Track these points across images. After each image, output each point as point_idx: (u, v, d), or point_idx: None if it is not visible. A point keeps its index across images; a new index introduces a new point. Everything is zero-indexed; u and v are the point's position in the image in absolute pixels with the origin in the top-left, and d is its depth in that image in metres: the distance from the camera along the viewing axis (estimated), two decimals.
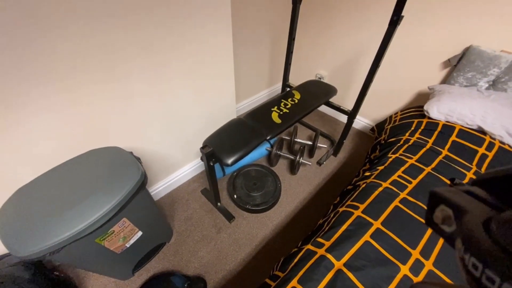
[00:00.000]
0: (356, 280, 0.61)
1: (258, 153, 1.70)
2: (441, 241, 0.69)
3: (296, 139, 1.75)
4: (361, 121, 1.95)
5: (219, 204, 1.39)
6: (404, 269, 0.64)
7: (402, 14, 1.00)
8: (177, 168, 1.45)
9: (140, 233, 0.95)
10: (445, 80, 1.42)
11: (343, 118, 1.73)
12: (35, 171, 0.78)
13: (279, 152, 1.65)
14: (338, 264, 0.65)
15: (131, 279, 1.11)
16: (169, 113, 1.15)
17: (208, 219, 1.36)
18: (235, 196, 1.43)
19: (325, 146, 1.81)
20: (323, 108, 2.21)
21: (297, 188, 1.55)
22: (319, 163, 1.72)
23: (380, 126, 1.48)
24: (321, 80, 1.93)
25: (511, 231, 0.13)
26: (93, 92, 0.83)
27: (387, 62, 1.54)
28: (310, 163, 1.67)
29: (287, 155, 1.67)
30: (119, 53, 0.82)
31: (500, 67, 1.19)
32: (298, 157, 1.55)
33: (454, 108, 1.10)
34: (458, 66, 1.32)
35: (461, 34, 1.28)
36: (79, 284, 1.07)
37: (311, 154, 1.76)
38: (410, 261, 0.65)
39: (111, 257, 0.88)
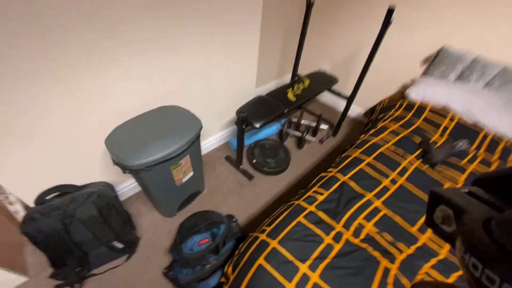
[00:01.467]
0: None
1: (271, 130, 2.02)
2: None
3: (302, 121, 2.08)
4: (355, 109, 2.30)
5: (241, 166, 1.70)
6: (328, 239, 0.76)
7: (391, 19, 1.34)
8: (206, 137, 1.75)
9: (191, 173, 1.24)
10: (425, 74, 1.78)
11: (341, 107, 2.06)
12: (124, 117, 1.07)
13: (288, 130, 1.97)
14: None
15: (174, 218, 1.40)
16: (207, 85, 1.44)
17: (232, 178, 1.66)
18: (254, 161, 1.74)
19: (326, 127, 2.15)
20: (325, 99, 2.56)
21: (302, 159, 1.87)
22: (321, 141, 2.05)
23: (372, 109, 1.83)
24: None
25: (511, 231, 0.13)
26: (162, 64, 1.12)
27: (378, 59, 1.90)
28: (313, 140, 2.00)
29: (295, 133, 1.99)
30: (182, 33, 1.12)
31: (464, 63, 1.56)
32: (304, 134, 1.88)
33: (427, 91, 1.47)
34: (434, 62, 1.69)
35: (436, 37, 1.64)
36: (136, 220, 1.35)
37: (314, 133, 2.09)
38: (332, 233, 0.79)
39: (172, 187, 1.17)
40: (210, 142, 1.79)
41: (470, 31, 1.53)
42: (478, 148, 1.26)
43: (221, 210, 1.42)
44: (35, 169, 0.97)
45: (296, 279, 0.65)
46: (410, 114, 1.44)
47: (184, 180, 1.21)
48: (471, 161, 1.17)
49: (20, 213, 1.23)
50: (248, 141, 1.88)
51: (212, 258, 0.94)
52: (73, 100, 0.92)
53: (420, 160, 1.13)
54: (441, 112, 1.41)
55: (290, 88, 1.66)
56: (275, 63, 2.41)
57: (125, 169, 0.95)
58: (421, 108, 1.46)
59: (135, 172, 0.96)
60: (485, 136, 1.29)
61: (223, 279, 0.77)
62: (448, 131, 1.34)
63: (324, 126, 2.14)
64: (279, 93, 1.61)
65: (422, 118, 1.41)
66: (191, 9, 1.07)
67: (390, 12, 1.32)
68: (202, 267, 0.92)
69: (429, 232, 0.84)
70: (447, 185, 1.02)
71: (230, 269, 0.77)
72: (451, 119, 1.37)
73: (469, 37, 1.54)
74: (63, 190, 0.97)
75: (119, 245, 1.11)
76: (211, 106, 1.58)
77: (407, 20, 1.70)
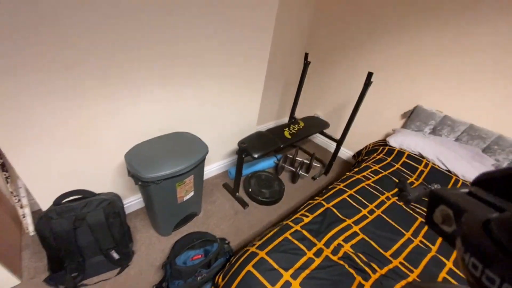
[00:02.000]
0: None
1: (268, 164, 2.19)
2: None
3: (297, 158, 2.27)
4: (347, 153, 2.52)
5: (237, 194, 1.82)
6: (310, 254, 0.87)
7: (372, 80, 1.66)
8: (208, 164, 1.91)
9: (192, 193, 1.37)
10: (404, 126, 2.05)
11: (333, 149, 2.27)
12: (142, 138, 1.26)
13: (284, 165, 2.15)
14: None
15: (168, 237, 1.46)
16: (216, 118, 1.68)
17: (228, 204, 1.76)
18: (249, 190, 1.86)
19: (319, 165, 2.33)
20: (319, 141, 2.81)
21: (295, 193, 2.00)
22: (313, 178, 2.21)
23: (359, 152, 2.04)
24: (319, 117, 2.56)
25: (511, 231, 0.13)
26: (180, 96, 1.37)
27: (366, 110, 2.21)
28: (306, 176, 2.16)
29: (290, 168, 2.16)
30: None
31: (436, 120, 1.84)
32: (298, 169, 2.05)
33: (404, 140, 1.70)
34: (411, 117, 1.97)
35: (412, 96, 1.96)
36: (132, 235, 1.41)
37: (307, 170, 2.26)
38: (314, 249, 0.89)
39: (173, 204, 1.28)
40: (211, 169, 1.94)
41: (438, 94, 1.84)
42: None
43: (214, 233, 1.49)
44: (59, 173, 1.11)
45: (279, 284, 0.74)
46: (390, 158, 1.64)
47: (185, 198, 1.33)
48: None
49: (27, 217, 1.31)
50: (246, 171, 2.03)
51: (203, 271, 1.00)
52: (107, 119, 1.13)
53: (396, 197, 1.28)
54: (417, 158, 1.61)
55: (287, 128, 1.90)
56: (275, 107, 2.74)
57: (138, 180, 1.09)
58: (400, 153, 1.67)
59: (146, 184, 1.10)
60: (456, 181, 1.47)
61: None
62: (423, 175, 1.52)
63: (317, 164, 2.32)
64: (276, 130, 1.84)
65: (400, 162, 1.60)
66: (213, 55, 1.36)
67: (369, 75, 1.64)
68: (194, 278, 0.98)
69: (401, 257, 0.94)
70: (419, 220, 1.15)
71: (220, 278, 0.85)
72: (426, 165, 1.56)
73: (438, 99, 1.85)
74: (82, 194, 1.09)
75: (116, 256, 1.17)
76: (217, 136, 1.79)
77: (388, 82, 2.05)
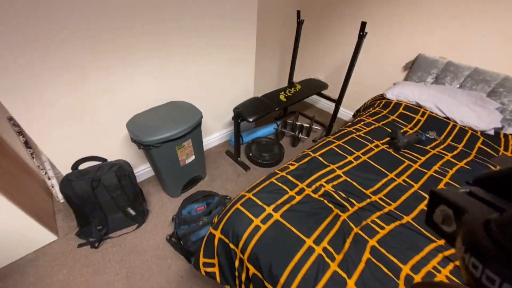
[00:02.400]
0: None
1: (268, 131, 2.25)
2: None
3: (297, 122, 2.30)
4: (348, 113, 2.50)
5: (239, 158, 1.93)
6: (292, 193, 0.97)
7: (366, 31, 1.59)
8: (210, 134, 2.01)
9: (193, 157, 1.49)
10: (406, 78, 1.98)
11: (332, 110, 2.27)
12: (141, 108, 1.36)
13: (283, 130, 2.20)
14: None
15: (178, 198, 1.62)
16: (211, 89, 1.73)
17: (231, 169, 1.89)
18: (250, 154, 1.96)
19: (319, 128, 2.35)
20: (319, 105, 2.79)
21: (295, 155, 2.06)
22: (314, 140, 2.25)
23: (358, 110, 2.03)
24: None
25: (511, 231, 0.13)
26: (175, 68, 1.43)
27: (365, 67, 2.14)
28: (307, 138, 2.21)
29: (290, 132, 2.21)
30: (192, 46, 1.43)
31: (438, 68, 1.75)
32: (297, 132, 2.09)
33: (401, 91, 1.66)
34: (412, 68, 1.89)
35: (412, 46, 1.86)
36: (146, 198, 1.59)
37: (308, 134, 2.29)
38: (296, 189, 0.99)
39: (177, 167, 1.42)
40: (213, 138, 2.05)
41: (441, 40, 1.73)
42: (446, 138, 1.41)
43: (219, 193, 1.64)
44: (74, 144, 1.26)
45: (261, 216, 0.85)
46: (386, 110, 1.62)
47: (187, 161, 1.46)
48: (435, 147, 1.33)
49: (55, 187, 1.52)
50: (246, 138, 2.12)
51: (204, 218, 1.15)
52: (109, 92, 1.23)
53: (387, 145, 1.31)
54: (414, 108, 1.59)
55: (283, 92, 1.91)
56: (273, 75, 2.71)
57: (140, 145, 1.21)
58: (397, 105, 1.64)
59: (147, 148, 1.22)
60: (453, 127, 1.45)
61: (210, 228, 0.97)
62: (419, 125, 1.51)
63: (317, 127, 2.34)
64: (272, 95, 1.87)
65: (396, 114, 1.59)
66: (198, 25, 1.38)
67: (363, 25, 1.57)
68: (196, 223, 1.12)
69: (381, 194, 1.00)
70: (406, 163, 1.18)
71: (216, 218, 0.98)
72: (423, 114, 1.54)
73: (441, 45, 1.74)
74: (94, 160, 1.24)
75: (132, 212, 1.35)
76: (214, 107, 1.86)
77: (387, 33, 1.94)
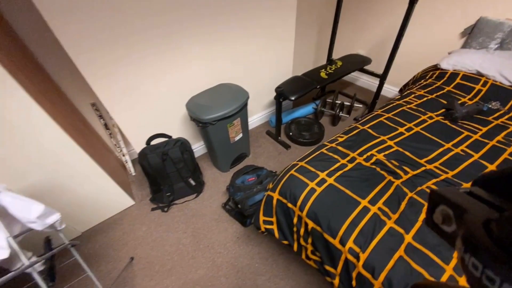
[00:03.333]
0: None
1: (307, 110, 2.27)
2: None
3: (336, 101, 2.27)
4: (393, 90, 2.37)
5: (279, 138, 2.01)
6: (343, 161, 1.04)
7: None
8: (250, 115, 2.12)
9: (241, 135, 1.62)
10: (464, 46, 1.79)
11: (376, 88, 2.17)
12: (196, 91, 1.51)
13: (323, 109, 2.20)
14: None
15: (227, 173, 1.79)
16: (252, 71, 1.81)
17: (272, 147, 1.99)
18: (290, 133, 2.03)
19: (361, 106, 2.29)
20: (361, 82, 2.68)
21: (336, 134, 2.07)
22: (355, 119, 2.20)
23: (405, 84, 1.92)
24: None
25: (511, 231, 0.13)
26: (223, 50, 1.53)
27: (415, 38, 1.98)
28: (348, 117, 2.18)
29: (330, 111, 2.20)
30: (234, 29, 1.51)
31: (504, 31, 1.55)
32: (337, 111, 2.08)
33: (459, 60, 1.53)
34: (472, 34, 1.70)
35: (472, 8, 1.66)
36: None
37: (349, 113, 2.25)
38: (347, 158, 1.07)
39: (227, 143, 1.57)
40: (253, 120, 2.16)
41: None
42: (511, 107, 1.29)
43: None
44: (144, 124, 1.48)
45: (316, 180, 0.93)
46: (441, 81, 1.52)
47: (236, 139, 1.60)
48: (499, 117, 1.23)
49: (129, 162, 1.81)
50: (286, 118, 2.18)
51: (258, 186, 1.28)
52: (169, 77, 1.40)
53: (442, 117, 1.25)
54: (474, 77, 1.46)
55: (323, 69, 1.90)
56: (311, 53, 2.67)
57: (199, 122, 1.37)
58: (453, 75, 1.53)
59: (205, 125, 1.38)
60: None
61: (266, 192, 1.09)
62: (480, 95, 1.39)
63: (359, 105, 2.28)
64: (312, 73, 1.88)
65: (453, 84, 1.48)
66: (238, 7, 1.45)
67: None
68: (251, 190, 1.26)
69: (437, 163, 0.99)
70: (465, 134, 1.13)
71: (270, 184, 1.09)
72: (484, 83, 1.41)
73: (507, 5, 1.53)
74: (162, 137, 1.45)
75: (193, 182, 1.55)
76: (255, 88, 1.94)
77: None
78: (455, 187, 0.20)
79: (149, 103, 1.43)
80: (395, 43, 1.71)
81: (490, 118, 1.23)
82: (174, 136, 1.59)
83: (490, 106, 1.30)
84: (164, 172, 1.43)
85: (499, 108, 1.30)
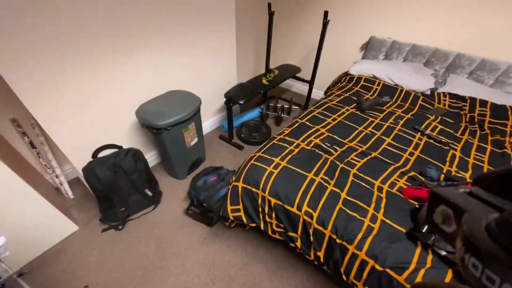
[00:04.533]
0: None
1: (253, 114, 2.50)
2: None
3: (277, 105, 2.58)
4: (320, 94, 2.86)
5: (232, 140, 2.15)
6: (291, 147, 1.46)
7: (329, 19, 1.90)
8: (202, 121, 2.18)
9: (196, 139, 1.68)
10: (363, 58, 2.37)
11: (307, 92, 2.58)
12: (145, 98, 1.50)
13: (267, 112, 2.46)
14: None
15: (184, 180, 1.80)
16: (200, 78, 1.91)
17: (226, 150, 2.10)
18: (242, 135, 2.19)
19: (297, 108, 2.67)
20: (294, 88, 3.11)
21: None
22: (294, 118, 2.55)
23: (328, 88, 2.38)
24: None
25: (511, 231, 0.13)
26: (171, 57, 1.59)
27: (330, 51, 2.49)
28: (288, 117, 2.51)
29: (273, 113, 2.49)
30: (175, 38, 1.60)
31: (387, 46, 2.16)
32: (280, 112, 2.38)
33: (361, 68, 2.04)
34: (367, 48, 2.28)
35: (366, 30, 2.24)
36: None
37: (288, 113, 2.60)
38: (293, 145, 1.48)
39: (184, 149, 1.59)
40: (205, 126, 2.23)
41: (389, 24, 2.13)
42: (396, 100, 1.81)
43: None
44: (86, 137, 1.37)
45: (272, 165, 1.10)
46: (351, 84, 1.99)
47: (192, 143, 1.64)
48: (389, 106, 1.72)
49: (64, 184, 1.59)
50: (235, 123, 2.34)
51: (221, 183, 1.37)
52: (115, 84, 1.36)
53: (354, 109, 1.66)
54: (372, 80, 1.97)
55: (264, 76, 2.17)
56: (251, 63, 2.95)
57: (153, 129, 1.37)
58: (358, 79, 2.01)
59: (159, 132, 1.38)
60: (401, 91, 1.85)
61: (230, 183, 1.20)
62: (377, 92, 1.89)
63: (295, 107, 2.66)
64: (255, 80, 2.11)
65: (359, 85, 1.96)
66: (185, 20, 1.55)
67: (325, 13, 1.89)
68: (214, 187, 1.34)
69: (355, 141, 1.33)
70: (370, 120, 1.54)
71: (233, 177, 1.21)
72: (378, 84, 1.93)
73: (388, 28, 2.14)
74: (110, 148, 1.36)
75: (149, 193, 1.50)
76: (204, 95, 2.03)
77: (346, 21, 2.30)
78: (455, 187, 0.19)
79: (92, 114, 1.34)
80: (316, 56, 2.13)
81: (384, 108, 1.69)
82: (124, 147, 1.51)
83: (383, 99, 1.79)
84: (117, 185, 1.35)
85: (389, 100, 1.80)
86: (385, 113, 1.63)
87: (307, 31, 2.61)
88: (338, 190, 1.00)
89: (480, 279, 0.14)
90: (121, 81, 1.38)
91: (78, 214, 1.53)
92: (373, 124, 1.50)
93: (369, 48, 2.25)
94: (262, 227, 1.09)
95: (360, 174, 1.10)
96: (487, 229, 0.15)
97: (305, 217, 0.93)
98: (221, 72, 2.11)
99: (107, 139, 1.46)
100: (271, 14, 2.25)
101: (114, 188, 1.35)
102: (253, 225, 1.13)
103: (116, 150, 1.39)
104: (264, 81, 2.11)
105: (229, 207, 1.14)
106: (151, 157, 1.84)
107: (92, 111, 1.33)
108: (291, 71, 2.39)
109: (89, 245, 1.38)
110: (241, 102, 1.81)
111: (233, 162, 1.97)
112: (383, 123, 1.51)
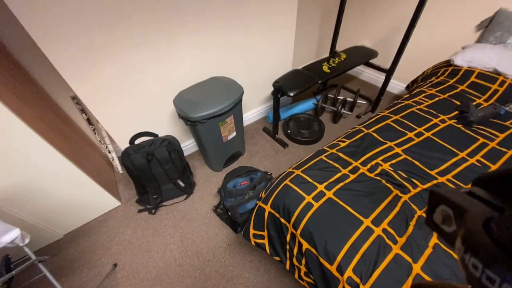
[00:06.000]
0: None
1: (307, 106, 2.14)
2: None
3: (338, 97, 2.13)
4: (399, 86, 2.22)
5: (276, 135, 1.89)
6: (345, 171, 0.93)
7: None
8: (246, 111, 1.99)
9: (235, 133, 1.50)
10: (479, 40, 1.64)
11: (382, 83, 2.02)
12: (186, 84, 1.38)
13: (324, 105, 2.06)
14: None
15: (220, 173, 1.69)
16: (248, 62, 1.66)
17: (269, 145, 1.88)
18: (288, 131, 1.91)
19: (364, 103, 2.15)
20: (365, 76, 2.53)
21: (337, 132, 1.95)
22: (357, 116, 2.08)
23: (414, 81, 1.78)
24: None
25: (511, 231, 0.13)
26: (217, 40, 1.39)
27: (426, 30, 1.82)
28: (350, 114, 2.05)
29: (331, 108, 2.07)
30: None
31: None
32: (339, 107, 1.95)
33: (475, 56, 1.38)
34: (489, 27, 1.55)
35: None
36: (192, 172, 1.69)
37: (351, 109, 2.12)
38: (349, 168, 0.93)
39: (220, 142, 1.45)
40: (250, 115, 2.03)
41: None
42: None
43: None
44: (128, 120, 1.36)
45: (313, 193, 0.83)
46: (454, 79, 1.39)
47: (229, 137, 1.48)
48: None
49: (115, 159, 1.69)
50: (284, 114, 2.05)
51: (250, 192, 1.18)
52: (154, 66, 1.26)
53: (455, 120, 1.13)
54: (490, 76, 1.33)
55: (325, 62, 1.76)
56: (313, 44, 2.50)
57: (187, 121, 1.25)
58: (467, 73, 1.39)
59: (194, 124, 1.26)
60: None
61: (258, 202, 0.99)
62: (496, 95, 1.26)
63: (362, 102, 2.15)
64: (314, 66, 1.74)
65: (467, 83, 1.35)
66: None
67: None
68: (242, 197, 1.16)
69: (449, 175, 0.89)
70: (480, 141, 1.02)
71: (263, 193, 0.99)
72: (502, 83, 1.28)
73: None
74: (147, 135, 1.33)
75: (182, 184, 1.45)
76: (251, 81, 1.80)
77: None
78: (455, 187, 0.20)
79: (133, 98, 1.30)
80: (404, 36, 1.56)
81: (507, 123, 1.11)
82: (162, 134, 1.46)
83: (507, 109, 1.18)
84: (150, 174, 1.32)
85: None
86: (508, 132, 1.05)
87: (394, 2, 1.96)
88: (408, 258, 0.66)
89: (480, 279, 0.14)
90: (162, 65, 1.28)
91: (123, 189, 1.63)
92: (486, 149, 0.98)
93: (493, 27, 1.51)
94: (287, 267, 0.87)
95: None
96: (487, 229, 0.15)
97: (347, 287, 0.65)
98: (275, 55, 1.80)
99: (147, 124, 1.43)
100: None
101: (147, 176, 1.33)
102: (277, 259, 0.91)
103: (152, 138, 1.34)
104: (325, 68, 1.71)
105: (252, 231, 0.94)
106: (190, 145, 1.78)
107: (133, 96, 1.29)
108: (363, 56, 1.88)
109: (125, 222, 1.45)
110: (291, 94, 1.51)
111: (273, 162, 1.74)
112: (504, 149, 0.97)
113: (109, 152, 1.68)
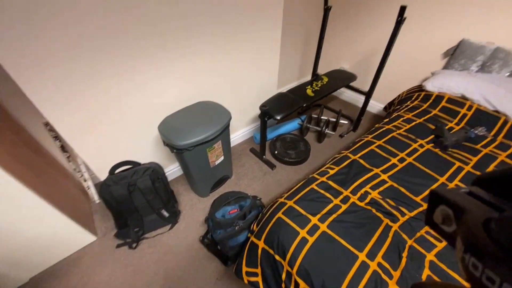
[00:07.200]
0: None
1: (292, 126, 2.18)
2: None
3: (322, 117, 2.20)
4: (377, 106, 2.36)
5: (264, 156, 1.89)
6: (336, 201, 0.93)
7: (405, 16, 1.44)
8: (233, 132, 1.97)
9: (222, 158, 1.47)
10: (446, 67, 1.81)
11: (362, 103, 2.13)
12: (171, 109, 1.34)
13: (308, 125, 2.12)
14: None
15: (207, 198, 1.62)
16: (234, 86, 1.67)
17: (256, 167, 1.86)
18: (276, 152, 1.91)
19: (346, 122, 2.24)
20: (345, 97, 2.66)
21: (322, 152, 2.00)
22: (341, 135, 2.15)
23: (391, 103, 1.90)
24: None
25: (511, 231, 0.13)
26: (199, 67, 1.38)
27: (399, 56, 1.97)
28: (333, 133, 2.12)
29: (315, 128, 2.13)
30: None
31: (485, 54, 1.57)
32: (323, 128, 2.00)
33: (444, 82, 1.51)
34: (454, 55, 1.71)
35: (455, 30, 1.68)
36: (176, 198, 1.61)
37: (334, 129, 2.20)
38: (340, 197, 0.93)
39: (207, 168, 1.40)
40: (236, 136, 2.02)
41: (489, 23, 1.55)
42: (496, 134, 1.28)
43: (246, 192, 1.62)
44: (107, 147, 1.27)
45: (307, 227, 0.81)
46: (427, 104, 1.50)
47: (217, 162, 1.44)
48: (487, 145, 1.21)
49: (91, 188, 1.57)
50: (270, 135, 2.06)
51: (240, 222, 1.13)
52: (137, 95, 1.21)
53: (432, 144, 1.21)
54: (459, 101, 1.45)
55: (309, 85, 1.82)
56: (296, 66, 2.59)
57: (173, 148, 1.20)
58: (438, 98, 1.51)
59: (180, 152, 1.21)
60: (505, 122, 1.30)
61: (249, 235, 0.95)
62: (466, 119, 1.37)
63: (344, 121, 2.24)
64: (298, 90, 1.78)
65: (438, 107, 1.46)
66: (222, 18, 1.31)
67: (402, 9, 1.43)
68: (232, 228, 1.11)
69: None
70: (457, 165, 1.08)
71: (255, 226, 0.95)
72: (469, 108, 1.40)
73: (488, 29, 1.56)
74: (129, 165, 1.25)
75: (166, 214, 1.36)
76: (238, 103, 1.81)
77: (426, 17, 1.76)
78: (455, 187, 0.19)
79: (113, 125, 1.23)
80: (381, 62, 1.68)
81: (478, 146, 1.20)
82: (145, 160, 1.39)
83: (476, 132, 1.28)
84: (132, 206, 1.23)
85: (485, 134, 1.28)
86: (480, 155, 1.14)
87: (371, 30, 2.12)
88: None
89: (480, 279, 0.14)
90: (146, 90, 1.24)
91: (99, 221, 1.50)
92: (462, 173, 1.04)
93: (457, 55, 1.68)
94: None
95: (440, 264, 0.72)
96: (487, 229, 0.15)
97: None
98: (261, 77, 1.83)
99: (129, 150, 1.35)
100: (326, 10, 1.86)
101: (128, 208, 1.24)
102: None
103: (134, 167, 1.26)
104: (309, 91, 1.76)
105: (245, 268, 0.89)
106: (174, 169, 1.71)
107: (113, 122, 1.22)
108: (344, 80, 1.98)
109: (102, 260, 1.31)
110: (278, 118, 1.52)
111: (261, 184, 1.72)
112: (478, 172, 1.04)
113: (85, 181, 1.55)
